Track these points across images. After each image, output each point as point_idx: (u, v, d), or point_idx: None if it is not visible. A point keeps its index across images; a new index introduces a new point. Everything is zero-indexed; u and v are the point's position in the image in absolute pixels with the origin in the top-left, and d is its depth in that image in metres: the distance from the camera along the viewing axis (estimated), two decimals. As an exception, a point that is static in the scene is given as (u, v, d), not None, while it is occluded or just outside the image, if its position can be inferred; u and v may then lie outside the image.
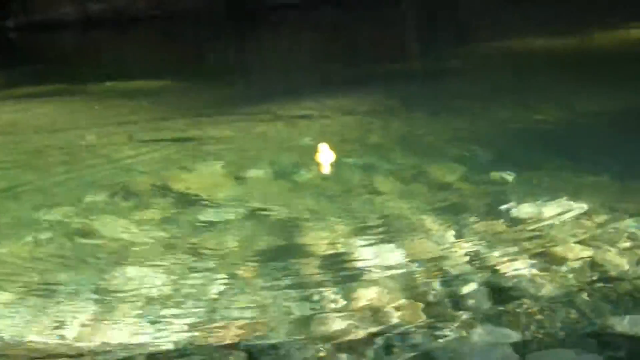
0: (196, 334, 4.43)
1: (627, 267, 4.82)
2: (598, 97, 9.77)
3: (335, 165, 7.59)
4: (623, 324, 4.16)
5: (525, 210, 5.94)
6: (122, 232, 6.19)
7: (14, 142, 10.14)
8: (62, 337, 4.51)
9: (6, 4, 26.61)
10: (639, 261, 4.89)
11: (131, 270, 5.37)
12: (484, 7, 24.98)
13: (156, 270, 5.34)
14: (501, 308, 4.42)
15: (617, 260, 4.92)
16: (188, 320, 4.59)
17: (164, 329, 4.51)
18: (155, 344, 4.37)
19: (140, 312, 4.74)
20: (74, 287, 5.14)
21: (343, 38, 21.40)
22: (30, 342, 4.49)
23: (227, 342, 4.32)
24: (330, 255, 5.43)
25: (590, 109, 9.19)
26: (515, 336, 4.12)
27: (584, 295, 4.49)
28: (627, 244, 5.16)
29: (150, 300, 4.89)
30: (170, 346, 4.33)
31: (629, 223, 5.51)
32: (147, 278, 5.22)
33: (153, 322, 4.60)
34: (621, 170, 6.71)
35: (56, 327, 4.62)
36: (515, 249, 5.23)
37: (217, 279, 5.14)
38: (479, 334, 4.18)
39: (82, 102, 12.86)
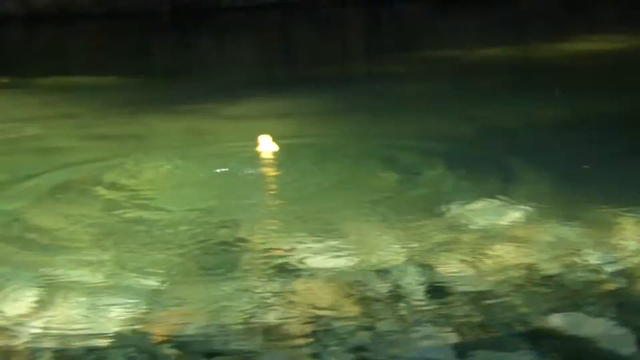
0: (134, 323, 4.44)
1: (561, 269, 4.91)
2: (534, 105, 9.95)
3: (276, 161, 7.63)
4: (559, 323, 4.25)
5: (458, 211, 6.03)
6: (61, 224, 6.15)
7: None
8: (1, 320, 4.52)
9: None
10: (570, 264, 4.98)
11: (69, 261, 5.34)
12: (430, 15, 25.19)
13: (94, 261, 5.32)
14: (440, 307, 4.48)
15: (550, 262, 5.01)
16: (126, 310, 4.58)
17: (102, 318, 4.49)
18: (93, 332, 4.36)
19: (80, 300, 4.73)
20: (15, 275, 5.12)
21: (286, 40, 21.45)
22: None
23: (164, 332, 4.33)
24: (270, 250, 5.45)
25: (524, 116, 9.36)
26: (453, 336, 4.17)
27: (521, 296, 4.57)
28: (560, 247, 5.26)
29: (89, 290, 4.87)
30: (108, 334, 4.33)
31: (561, 227, 5.63)
32: (84, 268, 5.20)
33: (91, 311, 4.59)
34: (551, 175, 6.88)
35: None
36: (452, 248, 5.30)
37: (156, 271, 5.14)
38: (418, 332, 4.22)
39: (24, 96, 12.71)
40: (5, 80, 14.15)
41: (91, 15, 26.10)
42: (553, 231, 5.57)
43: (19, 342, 4.27)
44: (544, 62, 14.53)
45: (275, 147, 7.84)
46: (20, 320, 4.50)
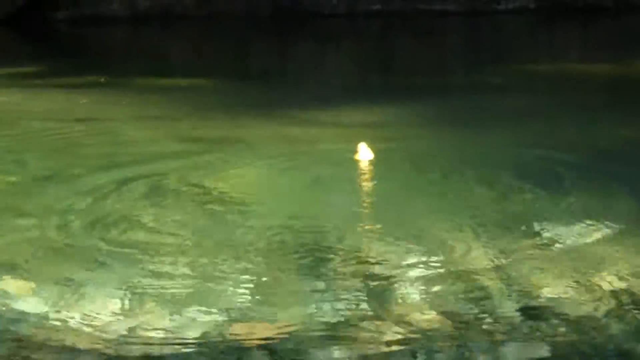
0: (220, 332, 4.39)
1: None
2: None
3: (373, 169, 7.55)
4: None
5: (557, 232, 5.84)
6: (153, 228, 6.14)
7: (53, 129, 10.15)
8: (87, 326, 4.50)
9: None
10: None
11: (160, 265, 5.32)
12: (526, 28, 24.91)
13: (175, 267, 5.30)
14: (532, 328, 4.36)
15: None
16: (211, 318, 4.55)
17: (186, 327, 4.46)
18: (180, 338, 4.34)
19: (163, 308, 4.70)
20: (102, 279, 5.11)
21: (385, 48, 21.41)
22: (57, 329, 4.48)
23: (251, 339, 4.29)
24: (360, 263, 5.36)
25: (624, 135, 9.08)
26: (545, 356, 4.08)
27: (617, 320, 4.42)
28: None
29: (176, 296, 4.86)
30: (195, 341, 4.30)
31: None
32: (165, 274, 5.19)
33: (175, 319, 4.56)
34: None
35: (82, 317, 4.61)
36: (550, 269, 5.14)
37: (246, 279, 5.10)
38: (510, 350, 4.13)
39: (119, 95, 12.87)
40: (102, 79, 14.38)
41: (192, 17, 26.46)
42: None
43: (103, 349, 4.26)
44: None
45: (371, 155, 7.76)
46: (102, 327, 4.48)
